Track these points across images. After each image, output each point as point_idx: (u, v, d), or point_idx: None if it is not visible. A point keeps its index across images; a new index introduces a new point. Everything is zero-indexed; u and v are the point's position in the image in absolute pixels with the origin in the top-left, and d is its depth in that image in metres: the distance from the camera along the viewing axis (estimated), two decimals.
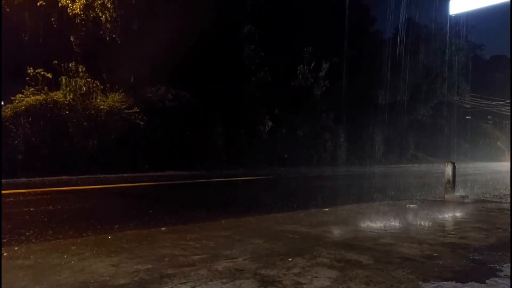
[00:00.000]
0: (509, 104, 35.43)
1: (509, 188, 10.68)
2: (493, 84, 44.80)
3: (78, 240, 4.64)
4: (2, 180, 11.39)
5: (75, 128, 15.87)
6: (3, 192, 8.99)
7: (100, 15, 16.64)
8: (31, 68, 15.67)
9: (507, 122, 45.64)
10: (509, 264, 3.69)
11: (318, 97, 26.41)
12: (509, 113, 35.41)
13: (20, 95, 15.45)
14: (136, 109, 17.57)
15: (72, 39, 17.14)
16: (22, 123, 14.93)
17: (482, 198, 9.12)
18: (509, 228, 5.33)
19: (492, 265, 3.69)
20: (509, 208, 7.29)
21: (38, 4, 16.26)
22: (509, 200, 8.57)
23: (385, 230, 5.20)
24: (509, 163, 15.33)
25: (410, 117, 32.89)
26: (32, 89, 15.71)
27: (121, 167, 16.64)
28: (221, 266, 3.56)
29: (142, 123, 17.62)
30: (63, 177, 14.19)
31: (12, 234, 5.03)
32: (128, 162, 17.03)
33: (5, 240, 4.66)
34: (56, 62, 16.13)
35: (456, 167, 8.77)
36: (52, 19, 16.70)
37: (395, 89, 27.63)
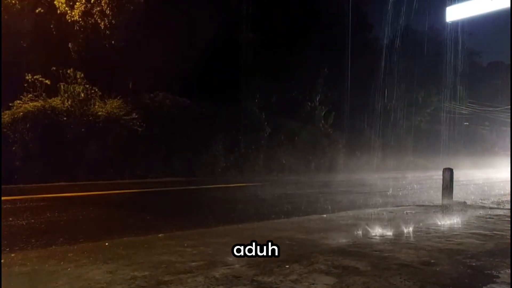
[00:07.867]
0: (507, 110, 35.66)
1: (508, 194, 10.69)
2: (490, 91, 45.08)
3: (75, 247, 4.63)
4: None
5: (73, 134, 15.86)
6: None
7: (99, 21, 16.69)
8: (29, 75, 15.68)
9: (504, 128, 45.89)
10: (507, 271, 3.69)
11: (317, 103, 26.50)
12: (507, 119, 35.61)
13: (18, 102, 15.44)
14: (134, 115, 17.55)
15: (70, 45, 17.18)
16: (21, 129, 14.92)
17: (479, 204, 9.13)
18: (507, 234, 5.34)
19: (489, 272, 3.70)
20: (507, 214, 7.31)
21: (37, 11, 16.32)
22: (507, 206, 8.58)
23: (383, 236, 5.21)
24: (507, 169, 15.33)
25: (407, 123, 33.05)
26: (31, 95, 15.70)
27: (119, 173, 16.62)
28: (219, 272, 3.56)
29: (140, 129, 17.60)
30: (61, 183, 14.17)
31: (9, 241, 5.02)
32: (127, 168, 17.00)
33: (1, 247, 4.64)
34: (54, 68, 16.13)
35: (454, 173, 8.79)
36: (51, 26, 16.75)
37: (393, 95, 27.77)
